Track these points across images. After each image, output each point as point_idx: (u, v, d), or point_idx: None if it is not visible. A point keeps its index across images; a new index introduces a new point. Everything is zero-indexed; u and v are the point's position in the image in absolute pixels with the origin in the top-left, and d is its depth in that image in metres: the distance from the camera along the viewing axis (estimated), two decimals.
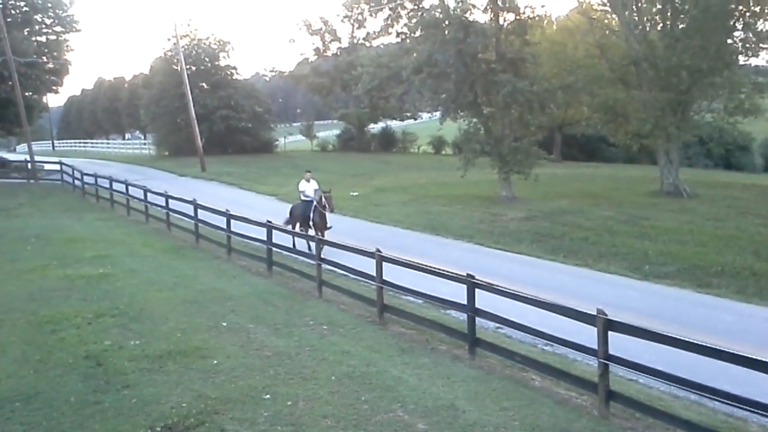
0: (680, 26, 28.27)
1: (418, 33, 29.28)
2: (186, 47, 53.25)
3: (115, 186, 29.48)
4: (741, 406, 7.16)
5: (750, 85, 28.47)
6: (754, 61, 29.60)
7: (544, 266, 17.17)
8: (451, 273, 11.24)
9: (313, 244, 16.40)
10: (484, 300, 10.28)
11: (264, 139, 57.18)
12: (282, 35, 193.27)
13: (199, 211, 20.65)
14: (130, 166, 50.15)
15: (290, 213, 19.55)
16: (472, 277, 10.38)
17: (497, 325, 11.13)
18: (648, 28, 29.54)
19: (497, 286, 10.39)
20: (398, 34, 31.64)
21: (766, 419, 7.40)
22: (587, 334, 8.37)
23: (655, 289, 14.77)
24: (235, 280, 15.71)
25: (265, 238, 16.59)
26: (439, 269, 11.88)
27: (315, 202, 18.57)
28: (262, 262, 16.76)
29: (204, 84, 54.74)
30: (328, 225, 18.55)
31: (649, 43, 28.36)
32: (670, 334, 7.79)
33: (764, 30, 27.40)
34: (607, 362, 7.97)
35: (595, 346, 8.11)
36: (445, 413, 8.00)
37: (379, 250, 12.45)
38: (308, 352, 10.37)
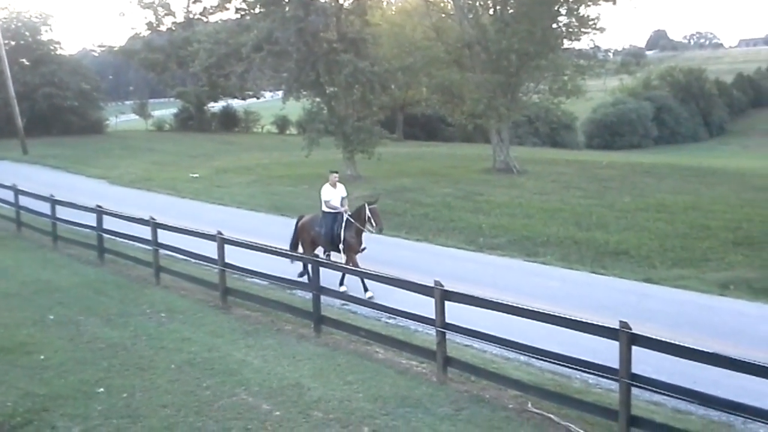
0: (510, 11, 29.82)
1: (257, 9, 28.62)
2: (3, 21, 48.48)
3: None
4: (565, 364, 7.78)
5: (573, 67, 30.74)
6: (576, 45, 31.84)
7: (387, 242, 17.46)
8: (296, 253, 11.21)
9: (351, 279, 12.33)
10: (329, 278, 10.34)
11: (93, 119, 53.32)
12: (111, 8, 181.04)
13: (20, 196, 18.99)
14: None
15: (300, 229, 13.61)
16: (317, 256, 10.41)
17: (342, 302, 11.29)
18: (480, 12, 30.92)
19: (341, 264, 10.53)
20: (237, 10, 30.60)
21: (588, 375, 8.07)
22: (427, 306, 8.67)
23: (489, 260, 15.61)
24: (63, 270, 14.63)
25: (95, 224, 15.55)
26: (283, 250, 11.82)
27: (347, 216, 13.00)
28: (92, 250, 15.72)
29: (24, 60, 50.06)
30: (362, 246, 13.18)
31: (481, 26, 29.71)
32: (501, 301, 8.27)
33: (586, 15, 29.56)
34: (444, 330, 8.32)
35: (434, 316, 8.43)
36: (290, 392, 7.99)
37: (220, 232, 12.12)
38: (145, 341, 9.92)
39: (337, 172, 13.69)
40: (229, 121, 59.89)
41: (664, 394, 6.98)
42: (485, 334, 8.33)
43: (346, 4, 28.31)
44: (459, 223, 19.33)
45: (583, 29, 29.79)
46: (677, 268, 14.61)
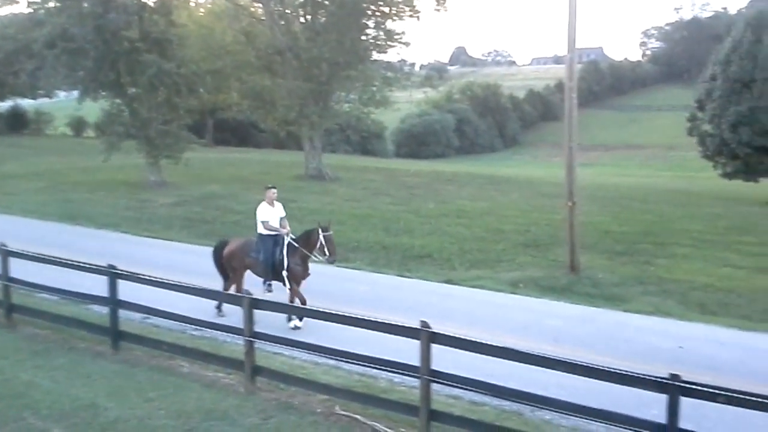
0: (321, 20, 30.25)
1: (51, 4, 26.46)
2: None
3: None
4: (371, 365, 7.97)
5: (381, 79, 31.89)
6: (384, 58, 33.06)
7: (195, 252, 16.92)
8: (90, 265, 10.43)
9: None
10: (130, 291, 9.74)
11: None
12: None
13: None
14: None
15: (229, 257, 11.79)
16: (114, 267, 9.76)
17: (144, 315, 10.69)
18: (291, 20, 31.01)
19: (141, 275, 9.95)
20: (29, 4, 28.05)
21: (392, 374, 8.33)
22: (237, 316, 8.47)
23: None
24: None
25: None
26: (75, 262, 10.95)
27: (290, 239, 11.42)
28: None
29: None
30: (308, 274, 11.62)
31: (292, 34, 29.83)
32: (310, 308, 8.32)
33: (392, 29, 30.79)
34: (252, 339, 8.18)
35: (242, 326, 8.26)
36: (84, 414, 7.42)
37: (3, 244, 10.97)
38: None
39: (275, 188, 11.93)
40: (17, 122, 54.72)
41: (461, 387, 7.38)
42: (294, 340, 8.34)
43: (149, 3, 27.05)
44: None
45: (389, 42, 30.99)
46: (474, 269, 15.63)
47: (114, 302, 9.65)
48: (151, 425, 7.16)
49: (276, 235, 11.41)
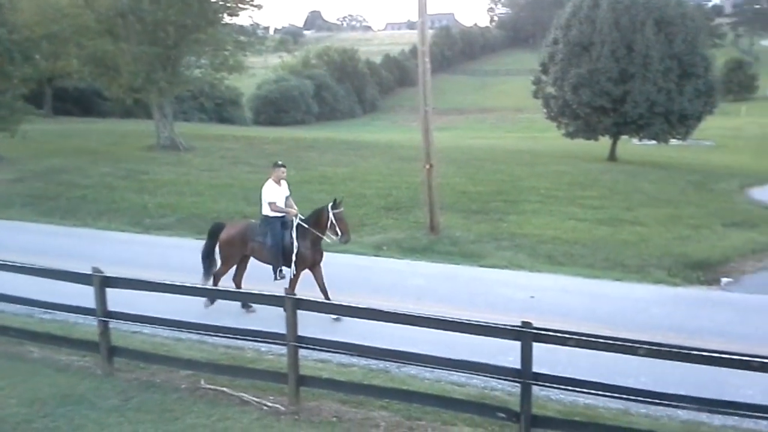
0: None
1: None
2: None
3: None
4: (237, 336, 7.83)
5: (233, 43, 30.82)
6: (236, 21, 31.95)
7: (38, 230, 15.86)
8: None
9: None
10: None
11: None
12: None
13: None
14: None
15: (228, 243, 10.45)
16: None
17: None
18: None
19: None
20: None
21: (260, 344, 8.24)
22: (89, 295, 7.99)
23: (156, 241, 15.04)
24: None
25: None
26: None
27: (299, 220, 10.30)
28: None
29: None
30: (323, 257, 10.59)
31: None
32: (167, 282, 8.01)
33: None
34: (106, 319, 7.76)
35: (95, 306, 7.81)
36: None
37: None
38: None
39: (284, 166, 10.61)
40: None
41: (329, 351, 7.44)
42: (153, 317, 7.98)
43: None
44: (122, 204, 18.29)
45: (240, 5, 30.02)
46: None
47: None
48: (2, 415, 6.65)
49: (283, 216, 10.40)
